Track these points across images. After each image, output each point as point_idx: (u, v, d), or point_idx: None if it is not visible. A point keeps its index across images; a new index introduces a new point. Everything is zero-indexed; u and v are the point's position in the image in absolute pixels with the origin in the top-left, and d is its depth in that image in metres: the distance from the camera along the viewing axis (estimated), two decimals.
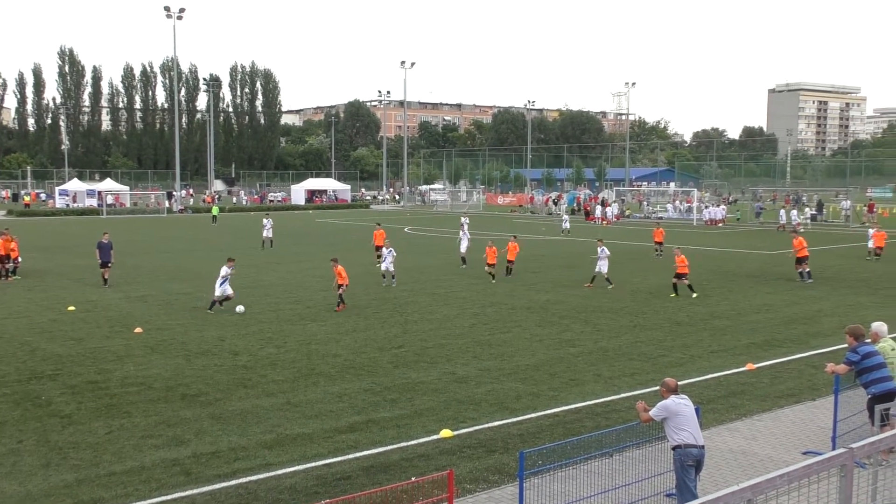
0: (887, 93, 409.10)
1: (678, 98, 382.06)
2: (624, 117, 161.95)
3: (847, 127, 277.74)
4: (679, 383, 10.23)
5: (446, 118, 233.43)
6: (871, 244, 39.51)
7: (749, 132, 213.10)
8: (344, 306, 24.06)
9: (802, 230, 57.63)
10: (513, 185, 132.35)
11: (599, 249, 29.89)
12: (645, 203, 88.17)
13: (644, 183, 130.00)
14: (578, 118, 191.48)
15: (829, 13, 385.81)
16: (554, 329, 21.73)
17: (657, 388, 11.25)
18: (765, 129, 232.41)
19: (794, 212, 62.64)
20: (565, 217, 59.81)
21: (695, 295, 27.03)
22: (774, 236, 54.14)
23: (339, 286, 24.33)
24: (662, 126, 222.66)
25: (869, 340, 12.05)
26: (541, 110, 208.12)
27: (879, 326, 12.68)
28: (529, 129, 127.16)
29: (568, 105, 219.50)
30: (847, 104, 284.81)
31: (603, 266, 29.49)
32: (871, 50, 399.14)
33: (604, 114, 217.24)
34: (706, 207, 70.99)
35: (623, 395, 15.22)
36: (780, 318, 23.51)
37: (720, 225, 65.86)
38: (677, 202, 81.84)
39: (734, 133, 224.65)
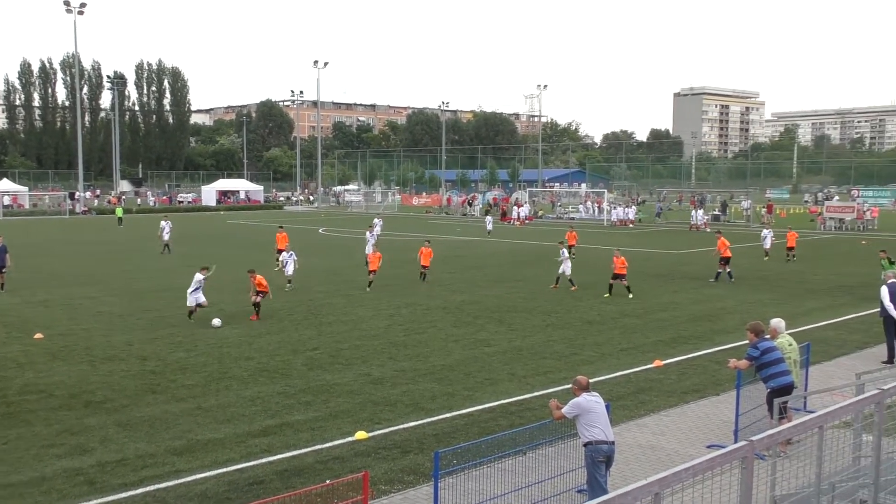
0: (784, 98, 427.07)
1: (589, 100, 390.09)
2: (536, 119, 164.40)
3: (747, 130, 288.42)
4: (590, 381, 10.43)
5: (360, 119, 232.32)
6: (767, 245, 40.63)
7: (656, 134, 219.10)
8: (257, 317, 23.34)
9: (709, 230, 59.64)
10: (428, 186, 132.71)
11: (561, 251, 30.07)
12: (557, 204, 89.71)
13: (556, 184, 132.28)
14: (492, 120, 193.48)
15: (731, 19, 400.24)
16: (469, 329, 21.87)
17: (569, 386, 11.46)
18: (671, 131, 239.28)
19: (700, 212, 64.85)
20: (489, 219, 60.01)
21: (630, 296, 27.24)
22: (683, 236, 55.77)
23: (259, 293, 23.49)
24: (574, 128, 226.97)
25: (768, 336, 12.54)
26: (455, 111, 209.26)
27: (777, 323, 13.23)
28: (444, 131, 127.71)
29: (482, 107, 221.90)
30: (747, 108, 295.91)
31: (566, 268, 29.59)
32: (769, 56, 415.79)
33: (517, 115, 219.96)
34: (615, 208, 72.66)
35: (536, 394, 15.42)
36: (686, 315, 24.23)
37: (630, 225, 67.49)
38: (588, 203, 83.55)
39: (642, 135, 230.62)
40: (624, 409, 14.37)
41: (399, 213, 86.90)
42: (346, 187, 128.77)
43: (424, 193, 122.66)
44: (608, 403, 10.41)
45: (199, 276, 23.16)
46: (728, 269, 31.77)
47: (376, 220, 48.63)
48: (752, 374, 12.58)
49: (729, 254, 32.02)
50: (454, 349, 19.37)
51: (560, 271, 29.77)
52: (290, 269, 29.44)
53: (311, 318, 23.58)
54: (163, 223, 44.25)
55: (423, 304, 26.00)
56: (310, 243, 50.87)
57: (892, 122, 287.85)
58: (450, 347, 19.56)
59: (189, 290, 23.05)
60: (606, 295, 27.64)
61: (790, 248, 39.21)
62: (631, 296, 27.42)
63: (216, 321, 22.10)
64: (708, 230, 59.84)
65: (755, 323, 12.47)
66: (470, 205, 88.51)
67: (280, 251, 34.06)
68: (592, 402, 9.85)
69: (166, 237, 43.36)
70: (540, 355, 18.81)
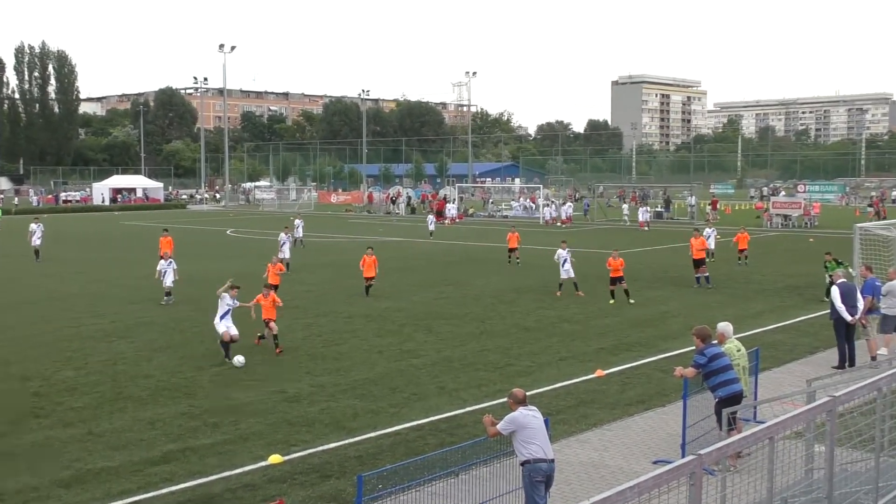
0: (726, 87, 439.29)
1: (522, 89, 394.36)
2: (465, 109, 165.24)
3: (689, 121, 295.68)
4: (527, 393, 10.47)
5: (272, 108, 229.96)
6: (710, 244, 39.96)
7: (594, 125, 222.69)
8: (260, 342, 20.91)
9: (646, 229, 60.79)
10: (347, 182, 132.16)
11: (558, 253, 29.78)
12: (489, 201, 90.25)
13: (488, 179, 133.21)
14: (417, 109, 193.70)
15: (671, 4, 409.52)
16: (394, 339, 21.81)
17: (505, 399, 11.46)
18: (609, 122, 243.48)
19: (644, 208, 66.06)
20: (431, 218, 58.22)
21: (631, 301, 27.18)
22: (624, 235, 56.74)
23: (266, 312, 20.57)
24: (506, 118, 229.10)
25: (716, 342, 12.78)
26: (376, 101, 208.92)
27: (725, 327, 13.50)
28: (364, 121, 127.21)
29: (406, 95, 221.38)
30: (689, 98, 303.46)
31: (569, 270, 29.32)
32: (711, 44, 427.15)
33: (444, 105, 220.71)
34: (548, 205, 73.34)
35: (469, 409, 15.45)
36: (629, 320, 24.61)
37: (568, 224, 68.37)
38: (522, 199, 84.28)
39: (579, 126, 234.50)
40: (564, 424, 14.48)
41: (316, 212, 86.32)
42: (257, 184, 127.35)
43: (341, 190, 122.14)
44: (547, 418, 10.45)
45: (227, 298, 19.73)
46: (705, 274, 31.38)
47: (297, 221, 47.91)
48: (700, 383, 12.81)
49: (703, 255, 32.01)
50: (378, 361, 19.28)
51: (564, 276, 29.40)
52: (168, 280, 27.98)
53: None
54: (33, 226, 41.66)
55: (343, 312, 25.83)
56: (216, 246, 50.12)
57: (836, 114, 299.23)
58: (373, 360, 19.47)
59: (218, 317, 19.73)
60: (612, 301, 27.37)
61: (742, 251, 38.29)
62: (632, 301, 27.21)
63: (239, 359, 18.79)
64: (646, 229, 61.04)
65: (701, 328, 12.70)
66: (394, 202, 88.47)
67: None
68: (530, 416, 9.87)
69: (37, 242, 41.30)
70: (472, 366, 18.85)
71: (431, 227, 56.15)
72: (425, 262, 40.30)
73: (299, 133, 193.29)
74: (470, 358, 19.72)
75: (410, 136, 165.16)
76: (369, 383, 17.35)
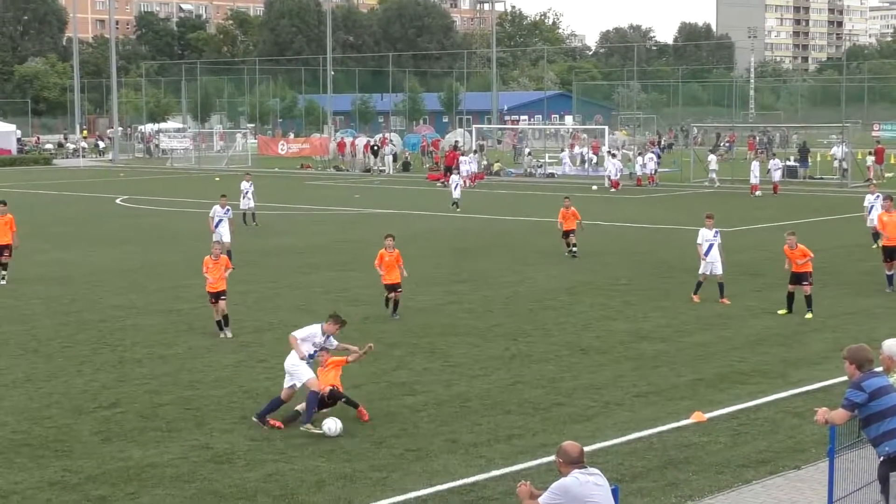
0: None
1: None
2: (488, 8, 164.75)
3: (840, 24, 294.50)
4: (586, 449, 10.54)
5: (185, 7, 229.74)
6: (874, 220, 38.96)
7: (689, 33, 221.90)
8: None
9: (759, 193, 60.49)
10: (304, 123, 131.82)
11: (711, 232, 29.27)
12: (524, 151, 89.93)
13: (524, 117, 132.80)
14: (411, 9, 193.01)
15: None
16: (380, 365, 21.85)
17: (551, 458, 11.54)
18: (714, 27, 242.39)
19: (775, 161, 65.13)
20: (455, 180, 56.54)
21: (808, 315, 26.75)
22: (737, 201, 56.62)
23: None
24: (551, 23, 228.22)
25: (879, 369, 12.76)
26: None
27: (894, 346, 13.39)
28: (330, 28, 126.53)
29: None
30: None
31: (715, 263, 28.96)
32: None
33: (454, 2, 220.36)
34: (614, 155, 72.38)
35: (495, 473, 15.51)
36: (743, 336, 24.54)
37: (651, 184, 68.17)
38: (577, 148, 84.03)
39: (666, 35, 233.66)
40: (643, 496, 14.54)
41: (256, 169, 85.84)
42: (163, 126, 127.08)
43: (294, 135, 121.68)
44: (616, 486, 10.52)
45: (313, 336, 18.97)
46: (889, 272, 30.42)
47: (244, 184, 47.48)
48: (856, 433, 12.84)
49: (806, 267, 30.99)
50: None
51: (706, 271, 29.02)
52: None
53: (107, 350, 23.38)
54: None
55: (298, 326, 25.69)
56: (98, 225, 50.21)
57: None
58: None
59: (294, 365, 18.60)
60: (783, 312, 27.27)
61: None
62: (809, 314, 26.58)
63: (332, 426, 17.50)
64: (774, 193, 60.88)
65: (857, 348, 12.63)
66: (375, 153, 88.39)
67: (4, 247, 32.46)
68: (590, 484, 9.96)
69: None
70: (500, 407, 18.89)
71: (456, 194, 54.71)
72: (429, 245, 40.27)
73: (227, 47, 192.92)
74: (496, 395, 19.74)
75: (401, 52, 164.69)
76: (342, 434, 17.39)
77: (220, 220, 36.16)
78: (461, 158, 72.04)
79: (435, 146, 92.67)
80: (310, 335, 18.79)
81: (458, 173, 60.48)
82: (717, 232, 29.35)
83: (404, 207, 55.66)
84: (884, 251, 30.87)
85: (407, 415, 18.54)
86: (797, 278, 26.89)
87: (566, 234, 37.24)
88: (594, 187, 66.51)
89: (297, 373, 18.27)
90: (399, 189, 68.89)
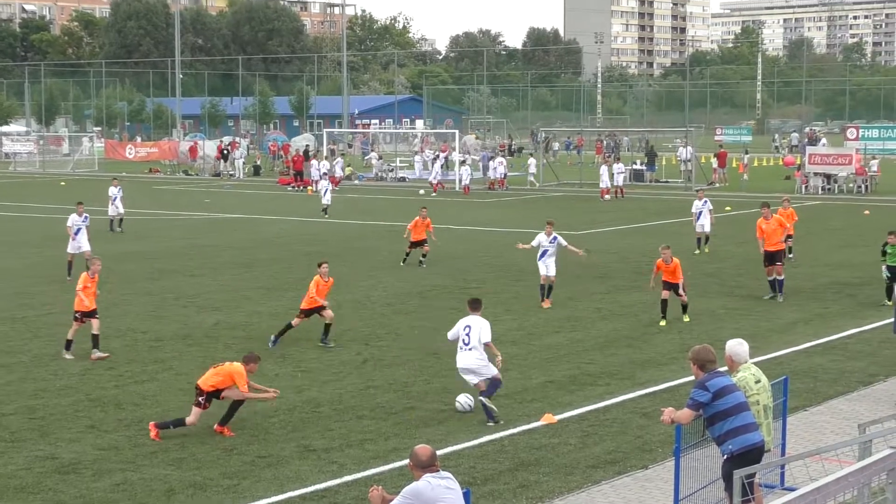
0: None
1: None
2: (339, 12, 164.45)
3: (684, 31, 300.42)
4: (438, 453, 10.55)
5: (28, 8, 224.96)
6: (705, 226, 38.79)
7: (538, 38, 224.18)
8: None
9: (620, 196, 61.49)
10: (152, 127, 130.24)
11: (547, 238, 29.40)
12: (373, 154, 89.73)
13: (375, 122, 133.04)
14: (261, 12, 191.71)
15: None
16: None
17: (403, 462, 11.54)
18: (562, 32, 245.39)
19: (619, 166, 65.84)
20: (325, 185, 54.94)
21: (687, 318, 27.02)
22: (583, 205, 57.33)
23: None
24: (401, 27, 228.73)
25: (723, 369, 13.01)
26: None
27: (737, 347, 13.64)
28: (178, 30, 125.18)
29: None
30: None
31: (550, 267, 29.18)
32: None
33: (304, 5, 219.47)
34: (465, 161, 72.54)
35: (347, 478, 15.55)
36: (592, 337, 24.99)
37: (501, 187, 68.67)
38: (428, 152, 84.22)
39: (515, 39, 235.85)
40: (495, 498, 14.64)
41: (102, 173, 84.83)
42: (5, 129, 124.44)
43: (142, 139, 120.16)
44: (467, 489, 10.56)
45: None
46: (780, 277, 30.11)
47: (112, 189, 46.39)
48: (700, 432, 13.08)
49: (778, 243, 30.51)
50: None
51: (546, 273, 29.30)
52: None
53: None
54: None
55: (147, 332, 25.67)
56: None
57: None
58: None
59: None
60: (662, 322, 27.26)
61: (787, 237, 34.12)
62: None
63: (464, 401, 18.92)
64: (620, 197, 61.82)
65: (701, 348, 12.88)
66: (225, 157, 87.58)
67: None
68: (441, 488, 9.99)
69: None
70: (352, 412, 18.93)
71: (326, 200, 52.93)
72: (278, 251, 40.10)
73: (73, 48, 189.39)
74: (348, 400, 19.76)
75: (251, 55, 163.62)
76: (191, 441, 17.26)
77: (79, 229, 35.44)
78: (313, 163, 71.62)
79: (285, 151, 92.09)
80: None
81: (328, 178, 59.66)
82: (554, 238, 29.56)
83: (255, 212, 55.23)
84: (765, 256, 30.57)
85: (258, 421, 18.46)
86: (669, 286, 26.96)
87: (414, 244, 35.80)
88: (421, 191, 67.01)
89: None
90: (250, 193, 68.39)
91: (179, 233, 46.63)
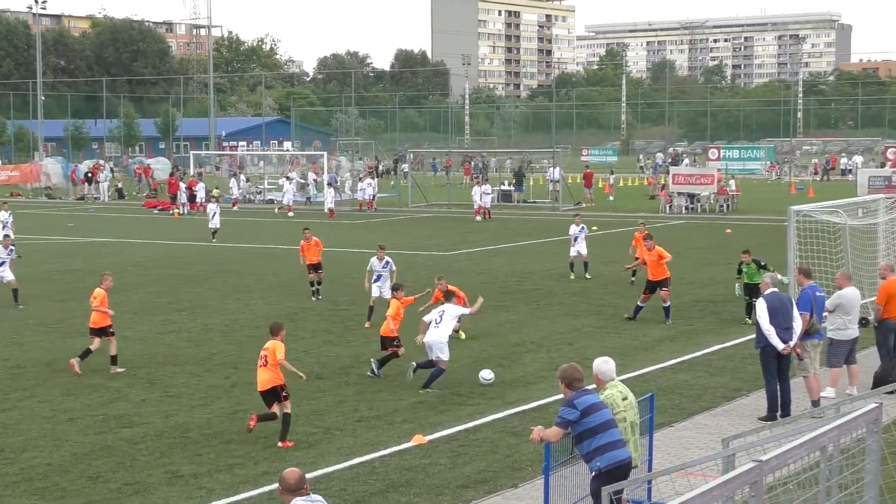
0: (604, 4, 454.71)
1: (293, 4, 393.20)
2: (205, 33, 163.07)
3: (550, 52, 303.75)
4: (307, 476, 10.52)
5: None
6: (581, 249, 38.45)
7: (405, 59, 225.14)
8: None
9: (488, 218, 61.82)
10: (12, 150, 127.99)
11: (380, 263, 29.94)
12: (241, 176, 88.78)
13: (242, 144, 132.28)
14: (126, 33, 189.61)
15: None
16: (95, 398, 21.48)
17: (273, 486, 11.47)
18: (430, 54, 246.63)
19: (485, 188, 65.83)
20: (213, 208, 53.34)
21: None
22: (464, 227, 57.57)
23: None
24: (269, 48, 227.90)
25: (591, 387, 13.18)
26: (59, 17, 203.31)
27: (603, 365, 13.81)
28: (39, 51, 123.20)
29: (107, 10, 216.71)
30: (549, 17, 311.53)
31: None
32: None
33: (170, 26, 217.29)
34: (333, 185, 72.58)
35: (216, 503, 15.40)
36: (464, 357, 24.88)
37: (370, 209, 68.69)
38: (296, 173, 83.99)
39: (383, 61, 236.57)
40: None
41: None
42: None
43: (2, 162, 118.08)
44: None
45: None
46: (665, 304, 29.90)
47: (4, 214, 45.35)
48: (569, 449, 13.21)
49: (663, 271, 30.18)
50: (68, 434, 18.92)
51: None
52: None
53: None
54: None
55: (8, 359, 25.24)
56: None
57: (762, 43, 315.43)
58: (60, 433, 19.08)
59: None
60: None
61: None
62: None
63: (486, 375, 22.56)
64: (488, 218, 62.18)
65: (568, 367, 13.05)
66: (89, 181, 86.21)
67: None
68: None
69: None
70: (220, 438, 18.80)
71: (214, 224, 51.71)
72: (147, 275, 39.64)
73: None
74: (216, 424, 19.63)
75: (116, 77, 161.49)
76: (55, 470, 17.01)
77: (3, 262, 34.75)
78: (199, 186, 70.77)
79: (146, 174, 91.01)
80: None
81: (216, 201, 57.64)
82: (387, 262, 30.34)
83: (121, 235, 54.49)
84: (647, 285, 30.37)
85: (125, 447, 18.23)
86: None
87: (312, 267, 34.21)
88: (276, 210, 68.72)
89: None
90: (115, 217, 67.47)
91: (44, 257, 45.71)
